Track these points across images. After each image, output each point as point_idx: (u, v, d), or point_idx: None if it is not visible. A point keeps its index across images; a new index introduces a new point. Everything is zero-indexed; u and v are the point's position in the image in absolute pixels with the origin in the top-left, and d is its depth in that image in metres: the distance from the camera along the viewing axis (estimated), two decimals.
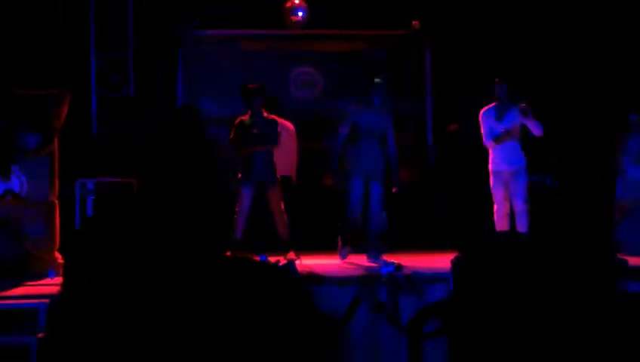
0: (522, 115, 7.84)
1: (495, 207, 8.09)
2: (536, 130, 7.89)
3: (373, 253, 7.64)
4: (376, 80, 7.95)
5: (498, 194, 8.05)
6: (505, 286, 1.69)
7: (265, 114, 8.29)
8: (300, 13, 10.41)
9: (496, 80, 8.05)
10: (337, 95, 10.66)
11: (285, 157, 9.08)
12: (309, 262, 6.69)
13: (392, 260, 7.10)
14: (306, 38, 10.66)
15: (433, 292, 5.73)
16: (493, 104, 8.11)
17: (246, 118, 8.28)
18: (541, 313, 1.68)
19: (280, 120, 9.00)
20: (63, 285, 1.36)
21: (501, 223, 8.03)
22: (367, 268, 6.88)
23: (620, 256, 4.09)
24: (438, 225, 9.80)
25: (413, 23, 10.59)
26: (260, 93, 8.18)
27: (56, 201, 7.63)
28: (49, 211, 7.45)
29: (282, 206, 8.27)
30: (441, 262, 7.11)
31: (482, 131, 8.08)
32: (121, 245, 1.30)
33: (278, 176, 8.31)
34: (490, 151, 8.11)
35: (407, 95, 10.86)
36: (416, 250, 8.84)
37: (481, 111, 8.12)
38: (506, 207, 8.03)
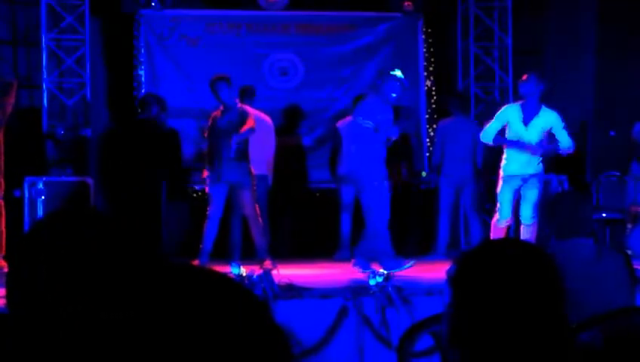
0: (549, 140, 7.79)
1: (497, 216, 8.04)
2: (565, 145, 7.79)
3: (362, 261, 7.64)
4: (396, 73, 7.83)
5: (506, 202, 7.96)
6: (506, 299, 1.69)
7: (238, 105, 8.27)
8: None
9: (524, 76, 7.82)
10: (320, 84, 10.63)
11: (261, 154, 9.07)
12: (287, 272, 6.67)
13: (381, 269, 7.10)
14: (285, 20, 10.61)
15: (426, 306, 5.75)
16: (519, 102, 7.93)
17: (217, 112, 8.28)
18: (543, 329, 1.69)
19: (255, 112, 8.98)
20: (7, 297, 1.35)
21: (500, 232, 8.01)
22: (352, 279, 6.87)
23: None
24: (431, 230, 9.81)
25: (406, 4, 10.59)
26: (225, 85, 8.13)
27: (2, 202, 7.58)
28: None
29: (257, 209, 8.25)
30: (435, 271, 7.13)
31: (490, 125, 8.00)
32: (73, 253, 1.29)
33: (252, 175, 8.28)
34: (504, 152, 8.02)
35: None
36: (408, 258, 8.83)
37: (505, 107, 8.05)
38: (511, 217, 7.99)
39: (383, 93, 7.68)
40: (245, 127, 8.02)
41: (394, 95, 7.69)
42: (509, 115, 7.87)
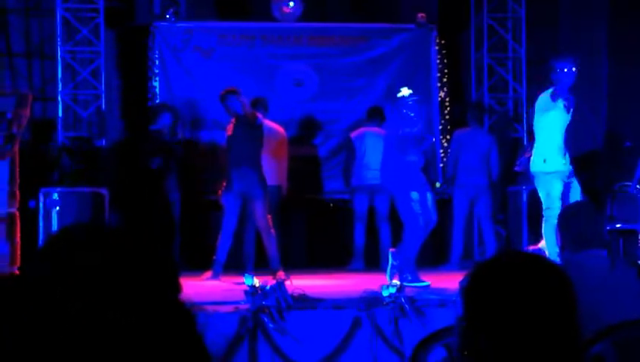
0: None
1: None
2: None
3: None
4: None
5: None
6: (517, 312, 1.69)
7: (249, 115, 8.26)
8: (292, 4, 10.39)
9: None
10: (333, 95, 10.63)
11: (275, 165, 9.09)
12: (300, 283, 6.68)
13: (395, 280, 7.10)
14: (298, 32, 10.62)
15: (439, 317, 5.74)
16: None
17: (231, 125, 8.33)
18: (555, 342, 1.68)
19: (269, 123, 9.01)
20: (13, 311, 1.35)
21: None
22: (365, 290, 6.87)
23: None
24: (445, 241, 9.79)
25: (420, 15, 10.59)
26: (235, 97, 8.14)
27: (17, 213, 7.61)
28: (9, 224, 7.42)
29: (270, 220, 8.26)
30: (449, 282, 7.12)
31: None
32: (86, 269, 1.30)
33: (265, 186, 8.29)
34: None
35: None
36: (422, 268, 8.82)
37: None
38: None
39: (403, 114, 7.77)
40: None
41: (412, 114, 7.76)
42: None
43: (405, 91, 7.82)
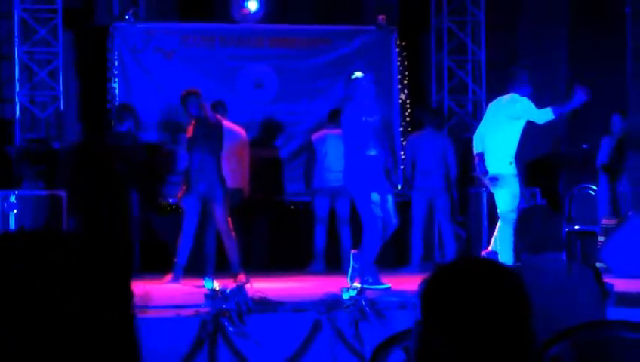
0: None
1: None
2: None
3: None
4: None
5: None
6: (473, 317, 1.71)
7: (209, 116, 8.21)
8: (252, 5, 10.37)
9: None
10: (295, 97, 10.63)
11: (236, 167, 9.08)
12: (261, 286, 6.67)
13: (356, 283, 7.11)
14: (259, 34, 10.60)
15: (400, 320, 5.76)
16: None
17: (191, 127, 8.30)
18: (511, 345, 1.70)
19: (230, 124, 8.99)
20: None
21: None
22: (326, 293, 6.87)
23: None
24: (406, 244, 9.83)
25: (380, 17, 10.63)
26: (195, 99, 8.11)
27: None
28: None
29: (230, 223, 8.25)
30: (409, 285, 7.15)
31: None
32: (30, 276, 1.30)
33: (226, 188, 8.27)
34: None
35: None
36: (382, 271, 8.85)
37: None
38: None
39: (359, 100, 7.55)
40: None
41: (369, 99, 7.56)
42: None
43: (359, 74, 7.66)
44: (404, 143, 10.61)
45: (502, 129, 7.76)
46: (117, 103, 9.94)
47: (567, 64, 10.91)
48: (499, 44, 10.91)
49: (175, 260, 8.19)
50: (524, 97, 7.74)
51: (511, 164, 7.72)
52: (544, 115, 7.69)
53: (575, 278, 3.69)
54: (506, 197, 7.68)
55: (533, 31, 11.09)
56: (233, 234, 8.22)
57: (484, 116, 8.18)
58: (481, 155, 7.84)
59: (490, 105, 8.10)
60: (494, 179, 7.75)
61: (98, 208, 9.08)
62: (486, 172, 7.79)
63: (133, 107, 9.58)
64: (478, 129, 8.11)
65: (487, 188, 8.43)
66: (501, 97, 7.92)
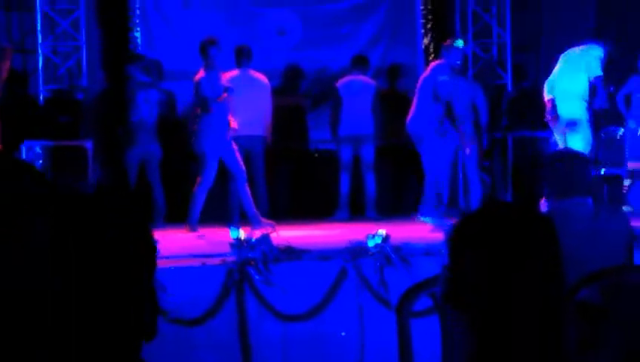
0: None
1: None
2: None
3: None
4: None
5: None
6: (502, 261, 1.70)
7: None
8: None
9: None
10: (318, 44, 10.54)
11: (259, 115, 9.04)
12: (286, 234, 6.69)
13: (381, 229, 7.11)
14: None
15: (425, 266, 5.77)
16: None
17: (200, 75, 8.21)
18: (540, 289, 1.70)
19: (252, 73, 8.96)
20: None
21: None
22: (351, 240, 6.88)
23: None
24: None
25: None
26: (215, 48, 8.01)
27: None
28: None
29: (245, 172, 8.22)
30: (433, 231, 7.15)
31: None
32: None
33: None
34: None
35: (400, 41, 10.74)
36: (407, 218, 8.86)
37: None
38: None
39: (449, 61, 8.55)
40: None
41: (458, 62, 8.58)
42: None
43: (460, 43, 8.68)
44: None
45: (578, 76, 8.23)
46: (139, 52, 9.87)
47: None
48: None
49: (192, 209, 8.11)
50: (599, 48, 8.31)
51: (587, 109, 8.24)
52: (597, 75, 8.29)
53: (602, 222, 3.67)
54: (580, 144, 7.92)
55: None
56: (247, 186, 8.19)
57: (558, 65, 8.53)
58: (552, 100, 8.30)
59: (564, 54, 8.51)
60: (573, 124, 8.04)
61: (122, 158, 9.07)
62: (557, 116, 8.28)
63: (158, 60, 9.55)
64: (550, 77, 8.58)
65: (559, 133, 8.65)
66: (575, 47, 8.41)
